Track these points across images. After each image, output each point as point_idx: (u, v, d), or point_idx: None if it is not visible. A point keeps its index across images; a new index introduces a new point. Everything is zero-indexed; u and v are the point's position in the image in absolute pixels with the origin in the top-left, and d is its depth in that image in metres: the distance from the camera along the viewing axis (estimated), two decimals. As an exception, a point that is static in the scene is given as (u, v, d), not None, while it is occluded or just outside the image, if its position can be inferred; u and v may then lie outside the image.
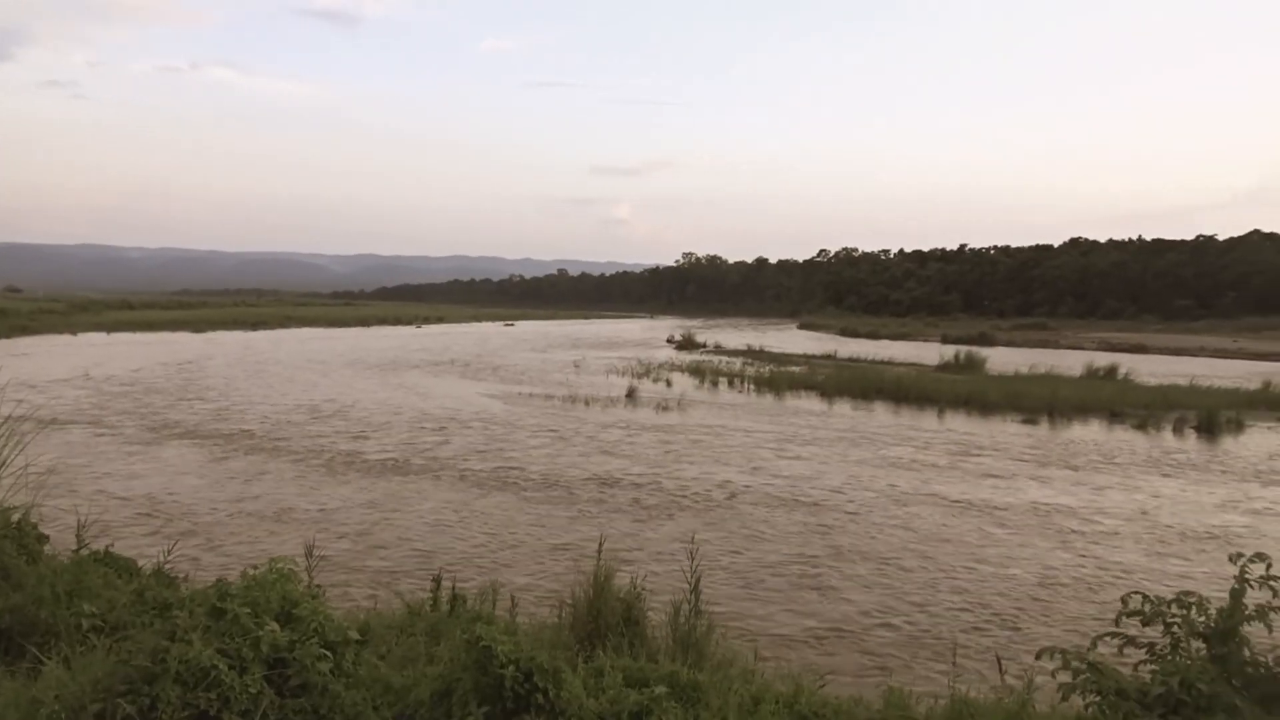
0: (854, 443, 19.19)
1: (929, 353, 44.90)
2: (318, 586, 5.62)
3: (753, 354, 45.95)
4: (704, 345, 54.24)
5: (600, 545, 7.14)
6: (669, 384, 31.03)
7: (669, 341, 59.87)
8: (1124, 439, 20.83)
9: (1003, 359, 40.60)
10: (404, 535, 11.00)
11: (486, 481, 14.23)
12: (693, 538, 8.23)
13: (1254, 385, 28.18)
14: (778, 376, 31.78)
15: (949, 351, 39.97)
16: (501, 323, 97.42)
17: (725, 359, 42.33)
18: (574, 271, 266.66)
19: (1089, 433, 21.78)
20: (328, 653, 4.12)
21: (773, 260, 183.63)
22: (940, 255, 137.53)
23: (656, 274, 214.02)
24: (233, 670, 3.83)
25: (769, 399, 27.66)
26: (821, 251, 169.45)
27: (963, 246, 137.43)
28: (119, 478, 13.65)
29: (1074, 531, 12.15)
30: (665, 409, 24.00)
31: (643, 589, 6.79)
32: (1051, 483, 15.50)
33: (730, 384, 31.24)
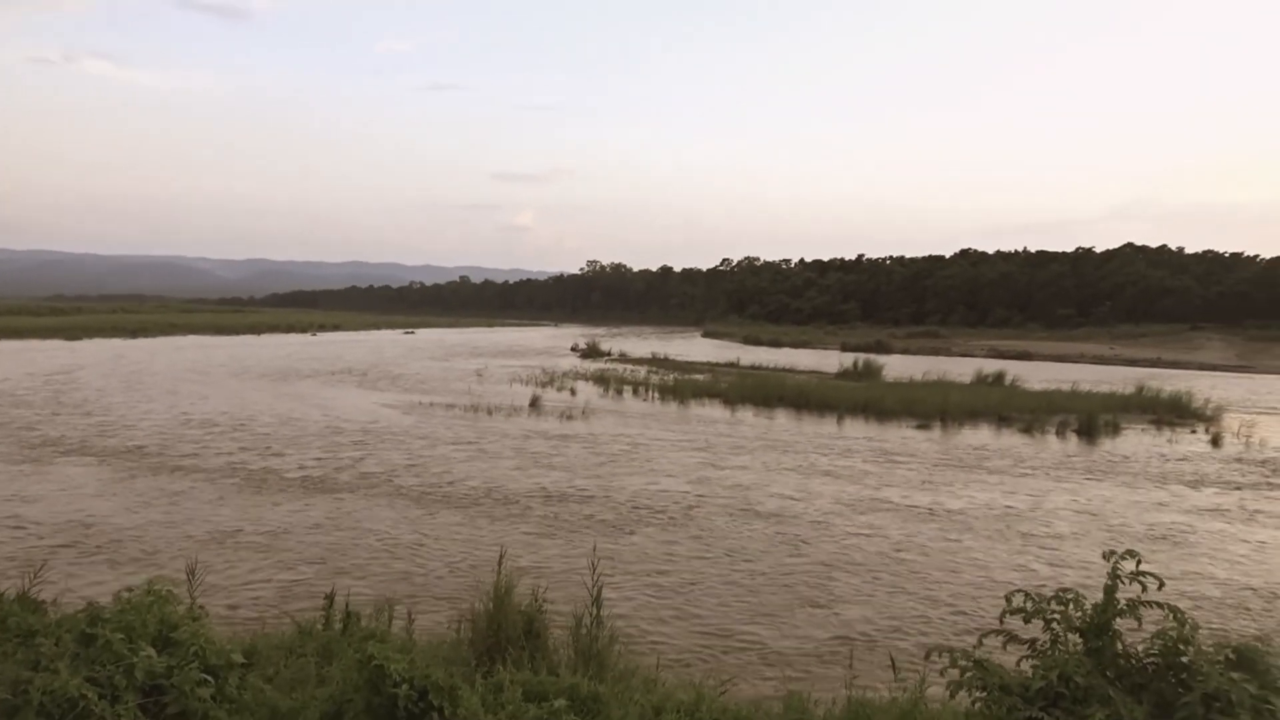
0: (780, 450, 19.48)
1: (829, 360, 46.05)
2: (200, 608, 5.36)
3: (657, 362, 46.24)
4: (609, 353, 54.32)
5: (501, 557, 7.04)
6: (573, 392, 30.94)
7: (573, 350, 59.73)
8: (1016, 442, 21.75)
9: (899, 366, 41.95)
10: (371, 557, 10.52)
11: (428, 498, 13.82)
12: (593, 548, 8.19)
13: (1128, 389, 29.80)
14: (682, 384, 32.08)
15: (848, 359, 41.09)
16: (401, 330, 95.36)
17: (630, 367, 42.50)
18: (476, 279, 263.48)
19: (985, 437, 22.66)
20: (209, 677, 3.93)
21: (677, 269, 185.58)
22: (839, 265, 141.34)
23: (561, 282, 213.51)
24: (104, 700, 3.61)
25: (674, 407, 27.86)
26: (725, 260, 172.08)
27: (860, 257, 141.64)
28: (18, 502, 12.59)
29: (1031, 534, 12.65)
30: (570, 418, 23.90)
31: (544, 600, 6.72)
32: (989, 487, 16.10)
33: (635, 392, 31.34)
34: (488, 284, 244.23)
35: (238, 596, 8.90)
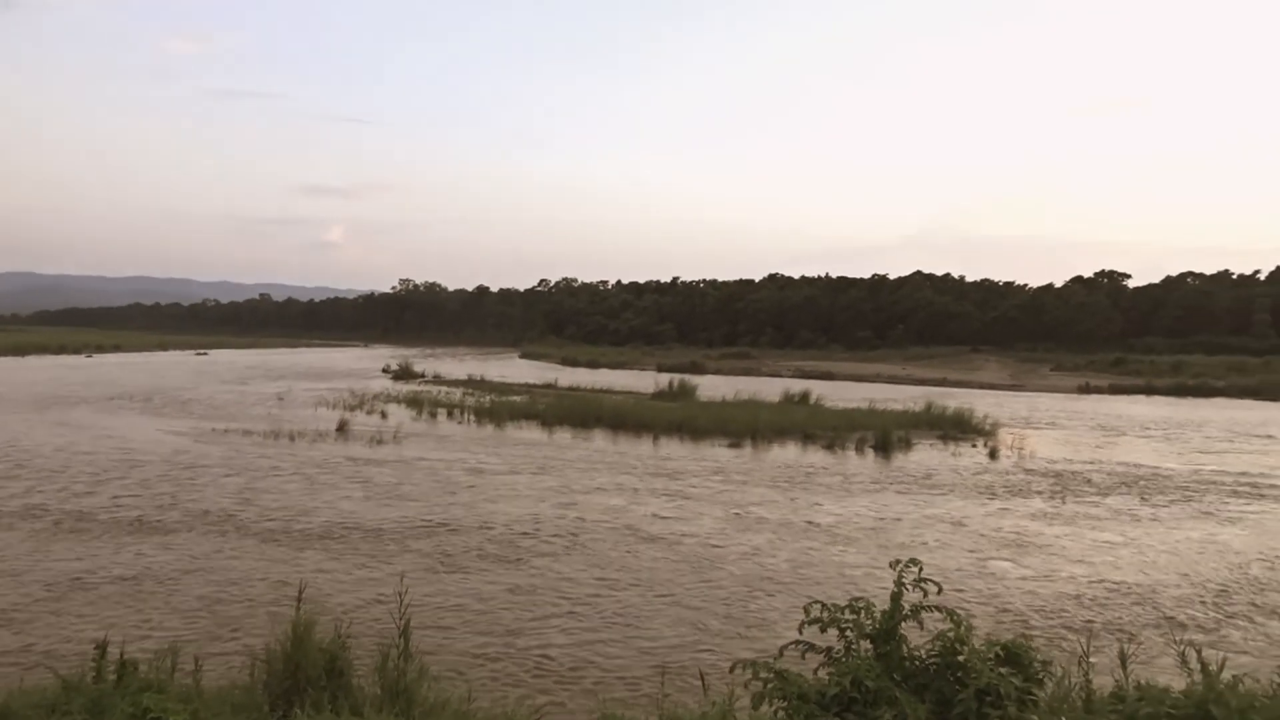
0: (622, 471, 19.59)
1: (646, 381, 46.88)
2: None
3: (474, 383, 45.50)
4: (422, 375, 52.88)
5: (300, 591, 6.66)
6: (385, 416, 29.90)
7: (385, 371, 57.74)
8: (823, 459, 22.88)
9: (712, 386, 43.23)
10: (259, 602, 9.65)
11: (283, 535, 12.88)
12: (401, 578, 7.90)
13: (919, 407, 32.04)
14: (499, 406, 31.70)
15: (664, 379, 41.96)
16: (193, 351, 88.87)
17: (445, 389, 41.55)
18: (278, 296, 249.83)
19: (793, 454, 23.70)
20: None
21: (494, 289, 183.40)
22: (655, 287, 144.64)
23: (371, 300, 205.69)
24: None
25: (491, 429, 27.49)
26: (542, 281, 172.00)
27: (675, 279, 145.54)
28: None
29: (908, 545, 13.31)
30: (381, 442, 23.07)
31: (347, 636, 6.41)
32: (844, 500, 16.96)
33: (451, 415, 30.67)
34: (291, 302, 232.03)
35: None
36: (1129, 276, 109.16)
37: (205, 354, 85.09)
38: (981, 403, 37.01)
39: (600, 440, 25.64)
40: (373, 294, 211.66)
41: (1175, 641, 6.87)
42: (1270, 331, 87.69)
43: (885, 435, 24.94)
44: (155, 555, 11.60)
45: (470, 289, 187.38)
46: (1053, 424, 33.44)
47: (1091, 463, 22.87)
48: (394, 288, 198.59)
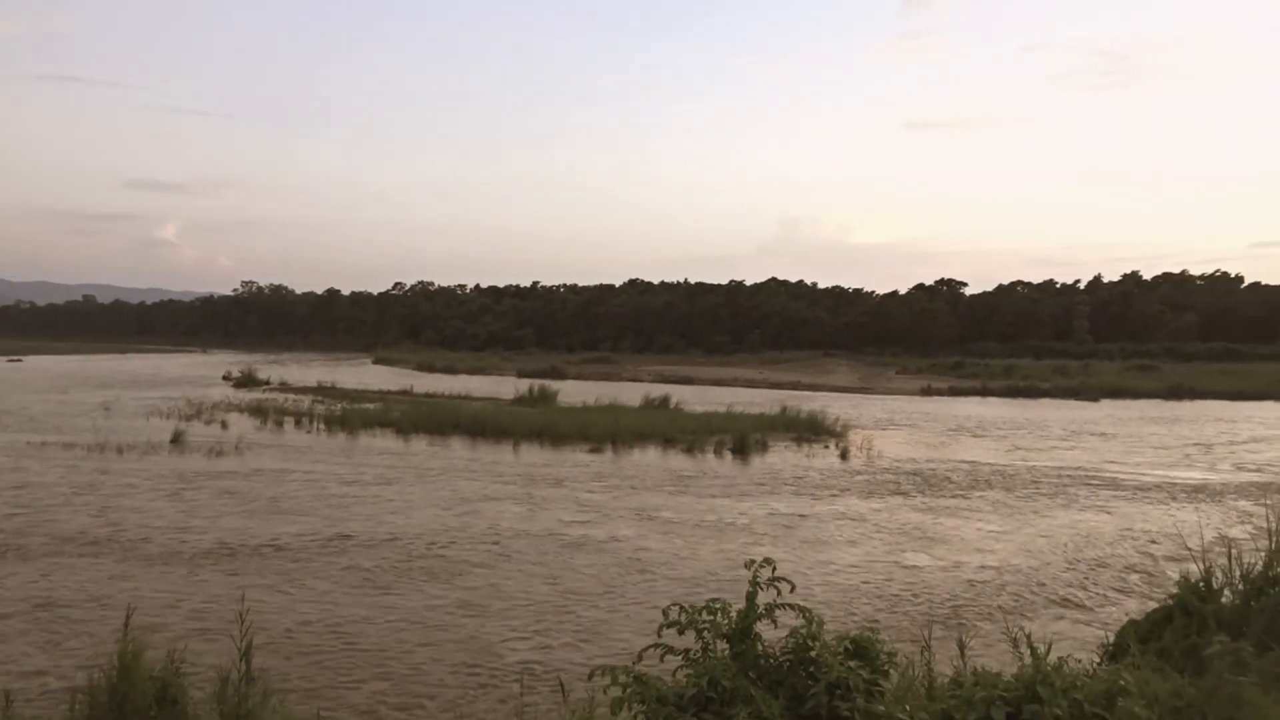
0: (497, 479, 19.39)
1: (505, 387, 46.36)
2: None
3: (323, 391, 43.71)
4: (267, 382, 50.37)
5: (128, 616, 6.18)
6: (225, 426, 28.32)
7: (226, 379, 54.55)
8: (683, 462, 23.19)
9: (573, 391, 43.12)
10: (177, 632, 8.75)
11: (176, 557, 12.04)
12: (242, 597, 7.46)
13: (774, 410, 32.94)
14: (351, 414, 30.55)
15: (524, 385, 41.58)
16: (4, 358, 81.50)
17: (293, 397, 39.75)
18: (105, 298, 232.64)
19: (655, 458, 23.92)
20: None
21: (345, 291, 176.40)
22: (515, 291, 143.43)
23: (211, 304, 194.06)
24: None
25: (342, 438, 26.50)
26: (397, 284, 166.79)
27: (535, 284, 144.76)
28: None
29: (825, 540, 13.71)
30: (221, 454, 21.84)
31: (181, 662, 6.01)
32: (744, 501, 17.50)
33: (299, 423, 29.36)
34: (120, 304, 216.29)
35: None
36: (966, 285, 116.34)
37: (19, 360, 78.16)
38: (834, 405, 38.51)
39: (459, 447, 25.15)
40: (212, 296, 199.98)
41: (1008, 628, 7.31)
42: (1089, 337, 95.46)
43: (743, 438, 25.54)
44: (41, 582, 10.73)
45: (320, 291, 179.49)
46: (902, 425, 35.07)
47: (946, 461, 24.09)
48: (235, 290, 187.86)
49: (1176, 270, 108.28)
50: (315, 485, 18.09)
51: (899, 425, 34.85)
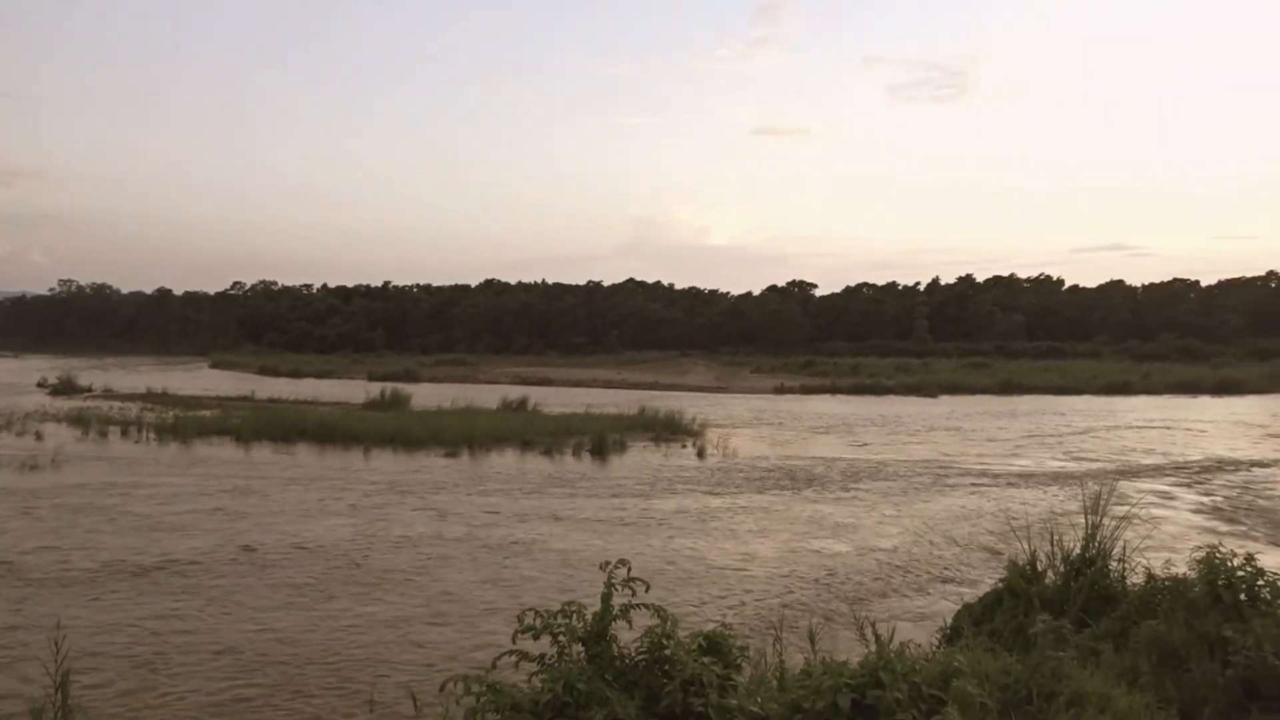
0: (371, 487, 18.90)
1: (355, 390, 44.73)
2: None
3: (154, 398, 40.83)
4: (90, 389, 46.61)
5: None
6: (39, 436, 26.09)
7: (41, 386, 49.99)
8: (544, 464, 23.03)
9: (427, 394, 42.07)
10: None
11: (60, 580, 11.39)
12: (58, 623, 6.84)
13: (633, 411, 33.19)
14: (186, 422, 28.74)
15: (375, 389, 40.26)
16: None
17: (119, 404, 36.95)
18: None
19: (512, 461, 23.63)
20: None
21: (178, 291, 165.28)
22: (365, 291, 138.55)
23: (23, 304, 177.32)
24: None
25: (175, 448, 24.89)
26: (236, 284, 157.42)
27: (387, 283, 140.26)
28: None
29: (736, 531, 13.84)
30: (33, 468, 20.13)
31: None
32: (647, 500, 17.89)
33: (126, 433, 27.35)
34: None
35: None
36: (816, 286, 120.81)
37: None
38: (693, 404, 39.18)
39: (307, 455, 24.09)
40: (24, 296, 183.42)
41: (855, 616, 7.60)
42: (928, 336, 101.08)
43: (601, 439, 25.61)
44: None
45: (149, 291, 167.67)
46: (767, 423, 36.01)
47: (818, 457, 24.88)
48: (52, 289, 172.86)
49: (1006, 273, 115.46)
50: (175, 500, 17.18)
51: (763, 423, 35.82)
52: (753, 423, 35.98)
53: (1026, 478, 21.38)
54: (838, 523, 15.96)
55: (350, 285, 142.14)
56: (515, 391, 40.70)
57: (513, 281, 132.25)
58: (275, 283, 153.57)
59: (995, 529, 14.83)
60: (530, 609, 4.91)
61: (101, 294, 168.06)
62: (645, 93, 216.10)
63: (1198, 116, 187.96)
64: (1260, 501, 18.38)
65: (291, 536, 14.10)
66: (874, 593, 11.45)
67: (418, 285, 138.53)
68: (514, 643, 4.85)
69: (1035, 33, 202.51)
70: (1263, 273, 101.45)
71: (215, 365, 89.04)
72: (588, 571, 12.03)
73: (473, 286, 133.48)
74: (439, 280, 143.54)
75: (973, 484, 20.38)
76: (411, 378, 63.54)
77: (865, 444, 28.55)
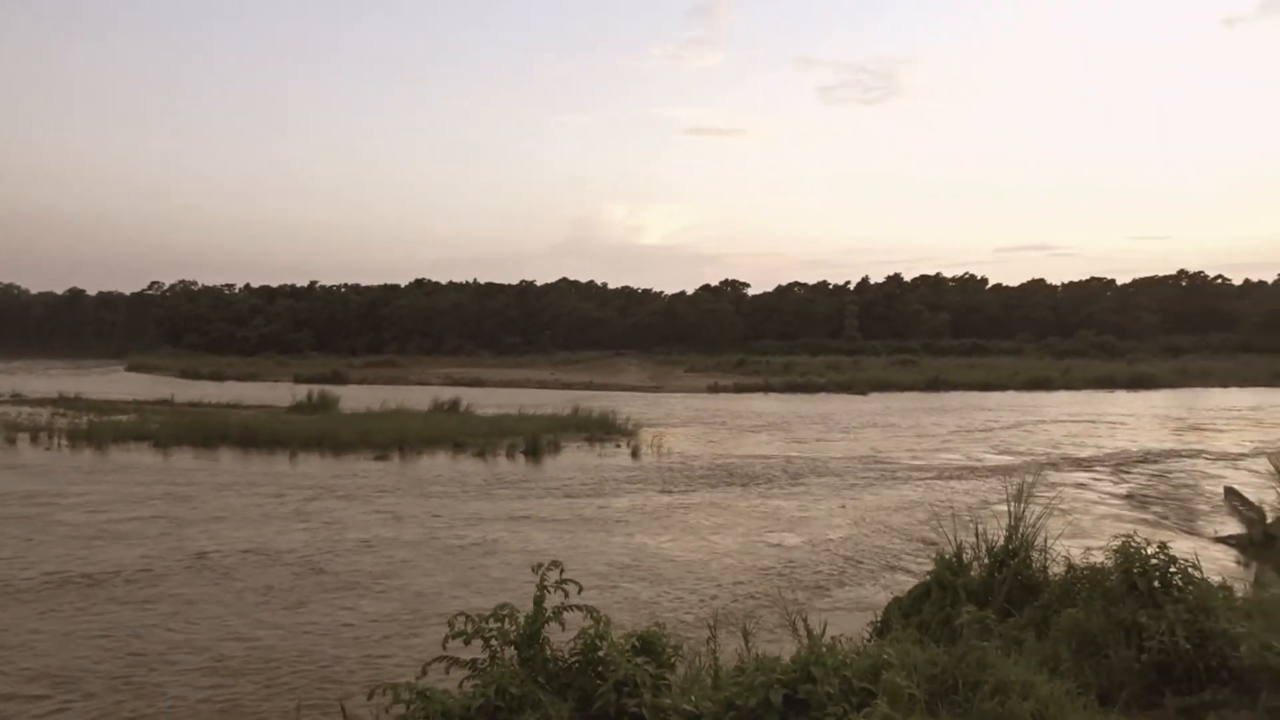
0: (306, 492, 18.39)
1: (280, 393, 43.55)
2: None
3: (67, 402, 39.23)
4: (-2, 395, 44.55)
5: None
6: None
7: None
8: (475, 467, 22.74)
9: (356, 397, 41.21)
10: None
11: (56, 591, 10.93)
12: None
13: (566, 411, 33.02)
14: (101, 427, 27.61)
15: (301, 391, 39.28)
16: None
17: (28, 410, 35.33)
18: None
19: (444, 463, 23.28)
20: None
21: (91, 292, 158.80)
22: (290, 291, 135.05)
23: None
24: None
25: (89, 454, 23.93)
26: (154, 284, 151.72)
27: (314, 283, 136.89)
28: None
29: (696, 526, 13.42)
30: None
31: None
32: (600, 499, 17.92)
33: (35, 439, 26.20)
34: None
35: None
36: (749, 285, 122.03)
37: None
38: (628, 404, 39.18)
39: (230, 460, 23.40)
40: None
41: (787, 612, 7.67)
42: (858, 334, 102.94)
43: (535, 440, 25.42)
44: None
45: (61, 291, 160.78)
46: (708, 422, 36.06)
47: (759, 455, 25.03)
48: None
49: (933, 273, 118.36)
50: (107, 507, 16.54)
51: (700, 422, 35.97)
52: (690, 422, 36.16)
53: (960, 471, 21.99)
54: (791, 517, 16.32)
55: (275, 285, 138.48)
56: (447, 393, 40.12)
57: (444, 281, 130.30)
58: (195, 282, 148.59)
59: (933, 520, 15.26)
60: (461, 614, 4.83)
61: (8, 294, 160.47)
62: (579, 91, 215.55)
63: (1116, 119, 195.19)
64: (1174, 490, 19.19)
65: (243, 542, 13.75)
66: (835, 582, 11.88)
67: (345, 285, 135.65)
68: (444, 648, 4.76)
69: (962, 36, 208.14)
70: (1174, 272, 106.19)
71: (132, 368, 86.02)
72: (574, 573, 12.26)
73: (402, 286, 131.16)
74: (367, 280, 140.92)
75: (911, 478, 20.91)
76: (339, 380, 62.34)
77: (803, 441, 28.91)
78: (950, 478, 20.96)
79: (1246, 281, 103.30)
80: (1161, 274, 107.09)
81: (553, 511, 16.75)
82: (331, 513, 16.33)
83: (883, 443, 28.41)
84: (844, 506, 17.28)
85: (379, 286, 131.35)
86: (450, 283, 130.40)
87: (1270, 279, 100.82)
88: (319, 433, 26.17)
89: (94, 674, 8.36)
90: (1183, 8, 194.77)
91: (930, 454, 25.46)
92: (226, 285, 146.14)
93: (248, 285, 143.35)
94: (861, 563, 12.92)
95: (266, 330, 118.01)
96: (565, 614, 4.84)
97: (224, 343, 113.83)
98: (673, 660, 4.86)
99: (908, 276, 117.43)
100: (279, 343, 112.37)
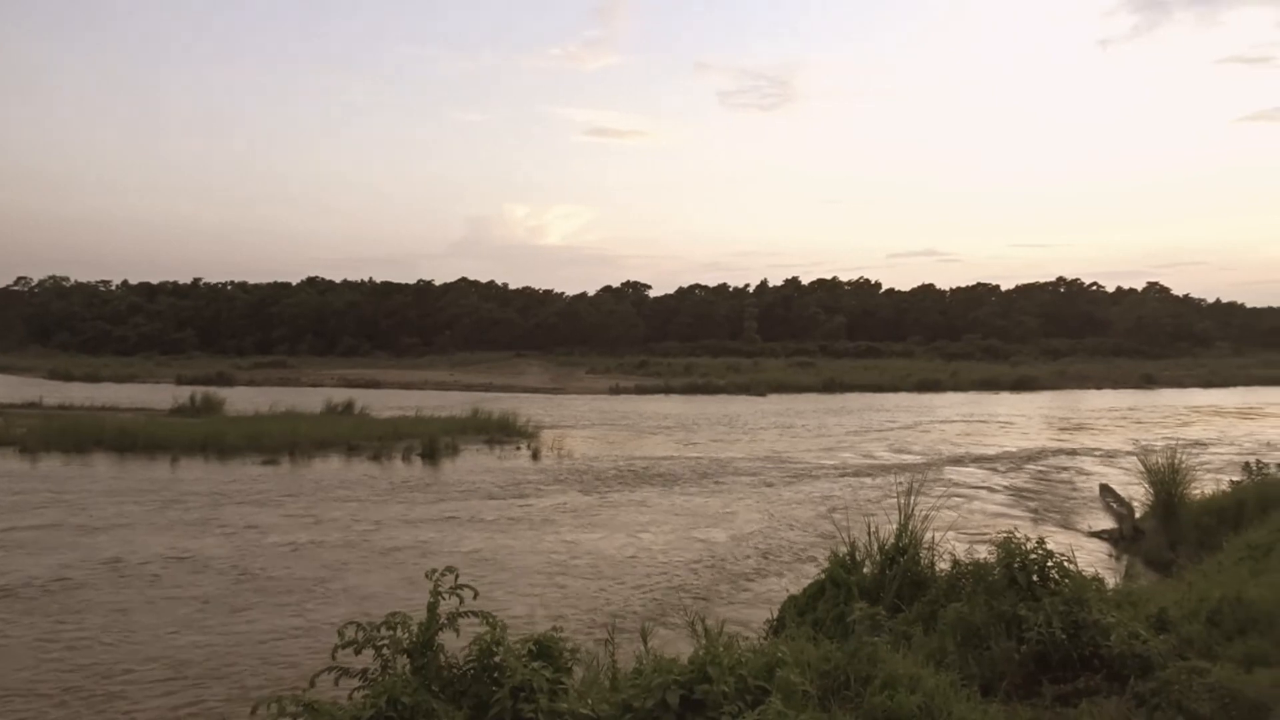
0: (207, 500, 17.69)
1: (161, 395, 41.55)
2: None
3: (-77, 405, 36.53)
4: None
5: None
6: None
7: None
8: (371, 470, 22.21)
9: (244, 399, 39.66)
10: None
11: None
12: None
13: (465, 413, 32.53)
14: (-41, 431, 25.78)
15: (184, 393, 37.53)
16: None
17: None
18: None
19: (337, 467, 22.70)
20: None
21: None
22: (172, 289, 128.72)
23: None
24: None
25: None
26: (21, 279, 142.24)
27: (198, 280, 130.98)
28: None
29: (631, 523, 13.41)
30: None
31: None
32: (526, 500, 17.99)
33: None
34: None
35: None
36: (650, 287, 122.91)
37: None
38: (529, 405, 38.86)
39: (105, 466, 22.17)
40: None
41: (686, 611, 7.73)
42: (757, 336, 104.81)
43: (433, 442, 24.96)
44: None
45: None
46: (615, 424, 36.20)
47: (670, 456, 25.43)
48: None
49: (829, 276, 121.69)
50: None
51: (604, 423, 36.05)
52: (594, 423, 36.14)
53: (862, 469, 22.77)
54: (713, 514, 16.74)
55: (155, 282, 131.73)
56: (341, 395, 38.97)
57: (338, 280, 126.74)
58: (67, 279, 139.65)
59: (838, 514, 15.72)
60: (352, 622, 4.68)
61: None
62: (478, 89, 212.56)
63: (998, 130, 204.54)
64: (1054, 488, 20.25)
65: (161, 549, 13.20)
66: (756, 574, 12.40)
67: (232, 282, 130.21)
68: (334, 658, 4.60)
69: (855, 44, 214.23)
70: (1053, 279, 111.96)
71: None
72: (504, 572, 12.34)
73: (294, 284, 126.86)
74: (256, 277, 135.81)
75: (818, 476, 21.66)
76: (226, 381, 59.80)
77: (710, 442, 29.28)
78: (853, 475, 21.81)
79: (1119, 289, 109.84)
80: (1041, 280, 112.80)
81: (477, 512, 16.68)
82: (245, 518, 15.78)
83: (788, 443, 29.02)
84: (759, 504, 17.80)
85: (268, 284, 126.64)
86: (345, 281, 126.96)
87: (1140, 286, 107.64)
88: (203, 436, 25.09)
89: (42, 687, 8.00)
90: (1062, 27, 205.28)
91: (834, 453, 26.26)
92: (102, 282, 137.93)
93: (125, 282, 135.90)
94: (778, 556, 13.40)
95: (146, 329, 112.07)
96: (460, 620, 4.73)
97: (99, 342, 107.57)
98: (570, 664, 4.81)
99: (805, 280, 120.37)
100: (160, 343, 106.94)
